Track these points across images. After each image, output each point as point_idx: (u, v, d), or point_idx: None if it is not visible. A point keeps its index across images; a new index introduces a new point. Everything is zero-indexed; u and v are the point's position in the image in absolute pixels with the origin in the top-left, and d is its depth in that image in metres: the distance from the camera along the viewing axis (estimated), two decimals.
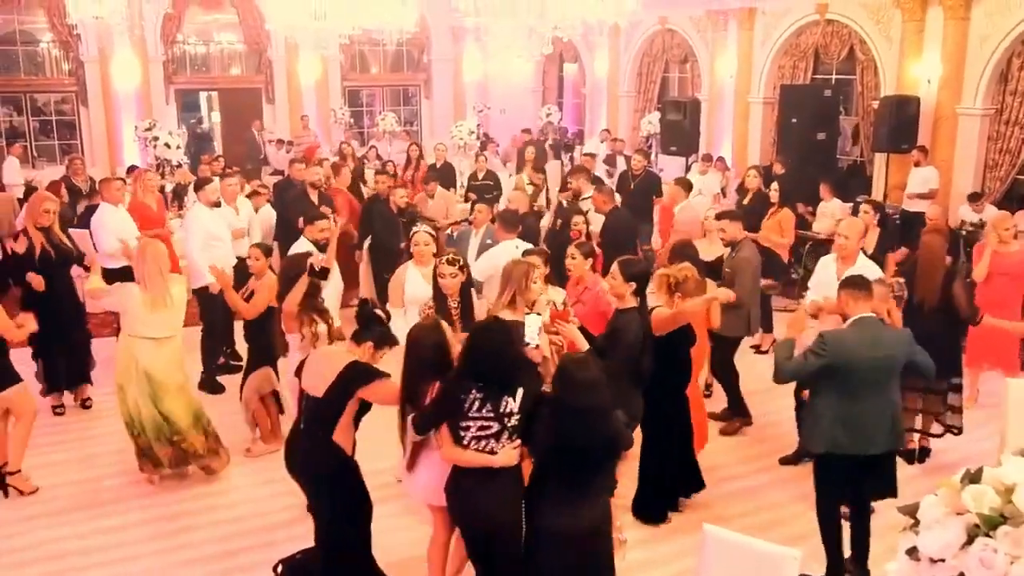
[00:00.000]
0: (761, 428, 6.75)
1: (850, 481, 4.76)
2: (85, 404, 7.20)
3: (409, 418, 4.18)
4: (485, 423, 3.91)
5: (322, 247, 6.64)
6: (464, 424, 3.92)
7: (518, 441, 3.93)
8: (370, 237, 8.85)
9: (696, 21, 15.45)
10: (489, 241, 7.28)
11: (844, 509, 4.87)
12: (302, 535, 5.18)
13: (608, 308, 5.55)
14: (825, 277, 6.20)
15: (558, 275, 6.26)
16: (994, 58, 10.86)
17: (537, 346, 4.69)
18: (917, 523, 1.95)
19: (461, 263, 5.15)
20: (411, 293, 5.88)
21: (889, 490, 4.99)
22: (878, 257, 7.00)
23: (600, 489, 3.87)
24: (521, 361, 4.21)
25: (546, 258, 5.95)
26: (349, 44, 16.00)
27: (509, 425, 3.91)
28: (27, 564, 5.04)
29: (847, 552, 4.80)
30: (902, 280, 5.72)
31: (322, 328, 5.61)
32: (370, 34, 13.44)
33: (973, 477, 1.87)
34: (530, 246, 6.50)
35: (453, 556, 4.55)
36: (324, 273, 5.72)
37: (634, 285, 5.11)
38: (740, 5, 14.28)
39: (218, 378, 7.61)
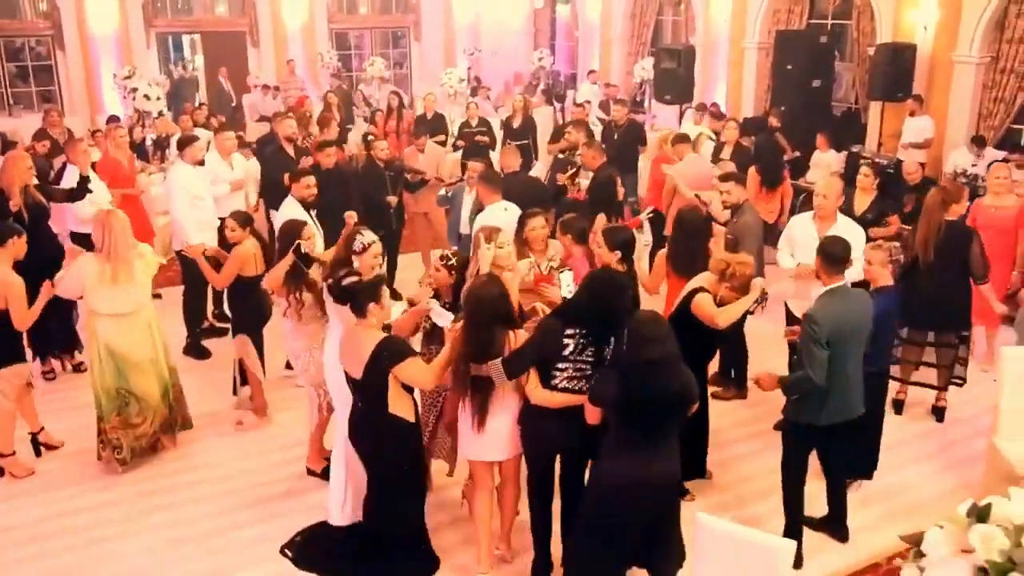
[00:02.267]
0: (753, 392, 6.70)
1: (817, 445, 4.78)
2: (79, 368, 7.04)
3: (492, 366, 4.12)
4: (582, 366, 4.16)
5: (309, 204, 6.51)
6: (560, 366, 4.14)
7: None
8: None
9: None
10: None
11: None
12: (303, 507, 5.24)
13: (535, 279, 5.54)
14: (801, 236, 6.12)
15: (583, 229, 6.07)
16: (991, 5, 10.62)
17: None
18: (920, 554, 1.89)
19: (453, 264, 4.99)
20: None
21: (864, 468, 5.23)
22: (873, 219, 6.87)
23: (672, 440, 4.01)
24: (627, 312, 4.27)
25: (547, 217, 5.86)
26: None
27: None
28: (19, 544, 4.99)
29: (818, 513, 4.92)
30: (898, 244, 5.64)
31: (307, 296, 5.50)
32: None
33: (980, 513, 1.80)
34: (516, 209, 6.36)
35: (504, 512, 4.68)
36: (308, 261, 5.53)
37: (619, 254, 5.19)
38: None
39: (204, 342, 7.50)
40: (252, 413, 6.34)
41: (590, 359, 4.17)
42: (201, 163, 7.53)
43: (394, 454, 4.34)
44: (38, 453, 5.83)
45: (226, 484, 5.58)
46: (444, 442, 5.06)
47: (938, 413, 6.39)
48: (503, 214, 6.35)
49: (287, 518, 5.16)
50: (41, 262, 6.11)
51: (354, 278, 4.51)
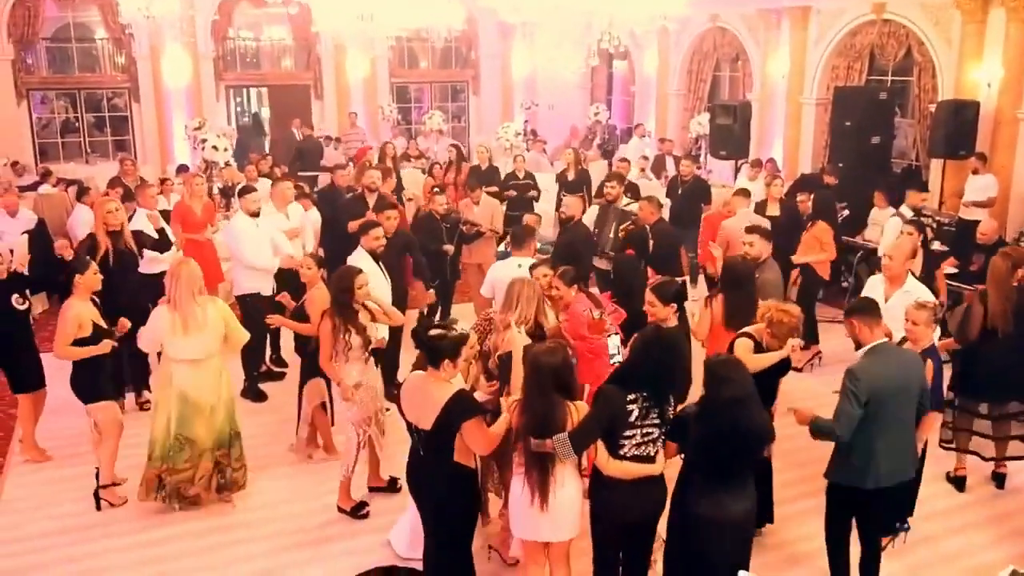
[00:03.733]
0: (798, 450, 6.53)
1: (859, 509, 4.66)
2: (143, 407, 7.24)
3: (557, 440, 4.00)
4: (650, 430, 4.10)
5: (378, 257, 6.69)
6: (627, 433, 4.06)
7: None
8: None
9: (748, 19, 15.16)
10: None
11: None
12: (357, 550, 5.30)
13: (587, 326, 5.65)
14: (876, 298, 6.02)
15: (575, 276, 6.13)
16: None
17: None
18: None
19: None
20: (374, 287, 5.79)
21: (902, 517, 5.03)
22: (924, 277, 6.79)
23: (748, 478, 4.08)
24: (681, 368, 4.34)
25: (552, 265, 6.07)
26: (397, 40, 16.01)
27: (664, 432, 4.14)
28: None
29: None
30: (942, 302, 5.50)
31: (355, 339, 5.60)
32: (418, 31, 13.43)
33: None
34: (532, 261, 6.48)
35: None
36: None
37: (675, 306, 5.24)
38: (793, 3, 13.96)
39: (261, 386, 7.64)
40: (321, 449, 6.52)
41: (656, 422, 4.11)
42: (256, 214, 7.57)
43: (459, 501, 4.31)
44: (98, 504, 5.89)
45: (278, 524, 5.65)
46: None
47: (998, 479, 6.14)
48: (516, 270, 6.41)
49: (339, 560, 5.21)
50: (125, 305, 6.37)
51: (440, 331, 4.35)
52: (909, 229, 7.24)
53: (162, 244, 7.59)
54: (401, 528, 5.26)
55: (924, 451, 5.24)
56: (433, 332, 4.29)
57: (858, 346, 4.59)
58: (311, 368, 6.19)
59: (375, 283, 6.19)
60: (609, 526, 4.25)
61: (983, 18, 11.10)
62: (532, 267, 6.17)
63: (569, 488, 4.17)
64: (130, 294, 6.81)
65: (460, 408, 4.15)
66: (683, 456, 4.18)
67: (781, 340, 4.94)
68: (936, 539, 5.45)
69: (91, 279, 5.78)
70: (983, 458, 6.04)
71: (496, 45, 19.24)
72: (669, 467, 4.21)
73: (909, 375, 4.52)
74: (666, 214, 9.64)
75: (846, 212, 11.04)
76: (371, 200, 8.37)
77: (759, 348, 5.02)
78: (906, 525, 5.26)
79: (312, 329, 6.16)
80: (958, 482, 6.14)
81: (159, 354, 5.77)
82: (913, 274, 6.16)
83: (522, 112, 18.73)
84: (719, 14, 15.60)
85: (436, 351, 4.24)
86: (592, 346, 5.66)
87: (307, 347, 6.32)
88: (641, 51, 17.63)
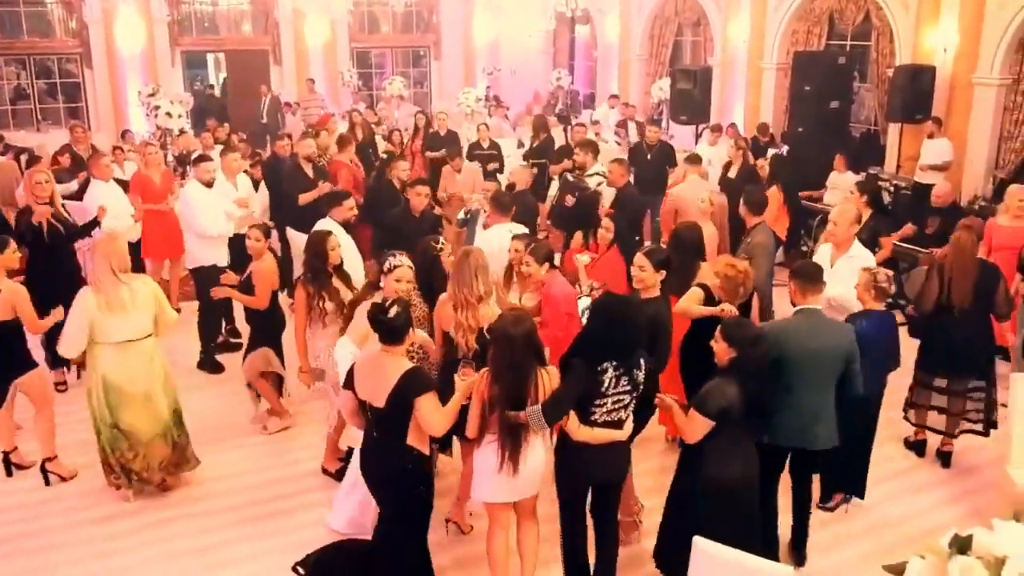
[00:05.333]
0: None
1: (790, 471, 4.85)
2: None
3: (530, 413, 4.02)
4: (620, 396, 4.12)
5: (347, 226, 6.63)
6: (599, 402, 4.08)
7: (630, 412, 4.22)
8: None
9: None
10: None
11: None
12: (313, 521, 5.26)
13: (572, 307, 5.56)
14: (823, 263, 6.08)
15: (549, 253, 6.05)
16: (1012, 26, 10.53)
17: None
18: None
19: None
20: None
21: (850, 487, 5.31)
22: (866, 240, 6.86)
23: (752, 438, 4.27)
24: (643, 331, 4.32)
25: (528, 243, 5.82)
26: (357, 4, 15.77)
27: (635, 396, 4.18)
28: (27, 553, 5.06)
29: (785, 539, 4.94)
30: (890, 273, 5.47)
31: (329, 304, 5.57)
32: None
33: (961, 544, 1.80)
34: (524, 229, 6.40)
35: (525, 553, 4.49)
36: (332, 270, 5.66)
37: (663, 273, 5.09)
38: None
39: (218, 357, 7.57)
40: (273, 417, 6.45)
41: (627, 388, 4.12)
42: (210, 184, 7.51)
43: (410, 484, 4.21)
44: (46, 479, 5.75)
45: (239, 496, 5.62)
46: None
47: (944, 458, 6.10)
48: (506, 236, 6.34)
49: (299, 533, 5.18)
50: (57, 279, 6.27)
51: (397, 309, 4.23)
52: (852, 190, 7.27)
53: (80, 231, 7.08)
54: (340, 503, 5.17)
55: (869, 428, 5.31)
56: (392, 313, 4.19)
57: (794, 307, 4.71)
58: (258, 339, 6.15)
59: (347, 255, 6.13)
60: (575, 487, 4.30)
61: None
62: (513, 238, 5.97)
63: (538, 451, 4.25)
64: (60, 270, 6.66)
65: (414, 382, 4.08)
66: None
67: (730, 293, 5.04)
68: (891, 499, 5.57)
69: (9, 258, 5.52)
70: (935, 431, 6.08)
71: (458, 10, 19.02)
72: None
73: (827, 343, 4.54)
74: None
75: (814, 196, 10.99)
76: (308, 170, 8.30)
77: (710, 300, 5.14)
78: (849, 498, 5.41)
79: (257, 301, 6.11)
80: (917, 447, 6.22)
81: None
82: (861, 240, 6.18)
83: (484, 77, 18.57)
84: None
85: (395, 329, 4.18)
86: (570, 333, 5.36)
87: (252, 319, 6.28)
88: (603, 16, 17.52)
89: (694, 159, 9.06)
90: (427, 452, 4.25)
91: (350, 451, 5.57)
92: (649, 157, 10.76)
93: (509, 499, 4.33)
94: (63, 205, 7.15)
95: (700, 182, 8.61)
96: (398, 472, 4.20)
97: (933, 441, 6.19)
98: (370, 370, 4.23)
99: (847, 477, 5.38)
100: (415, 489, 4.24)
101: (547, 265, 5.59)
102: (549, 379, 4.11)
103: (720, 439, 4.10)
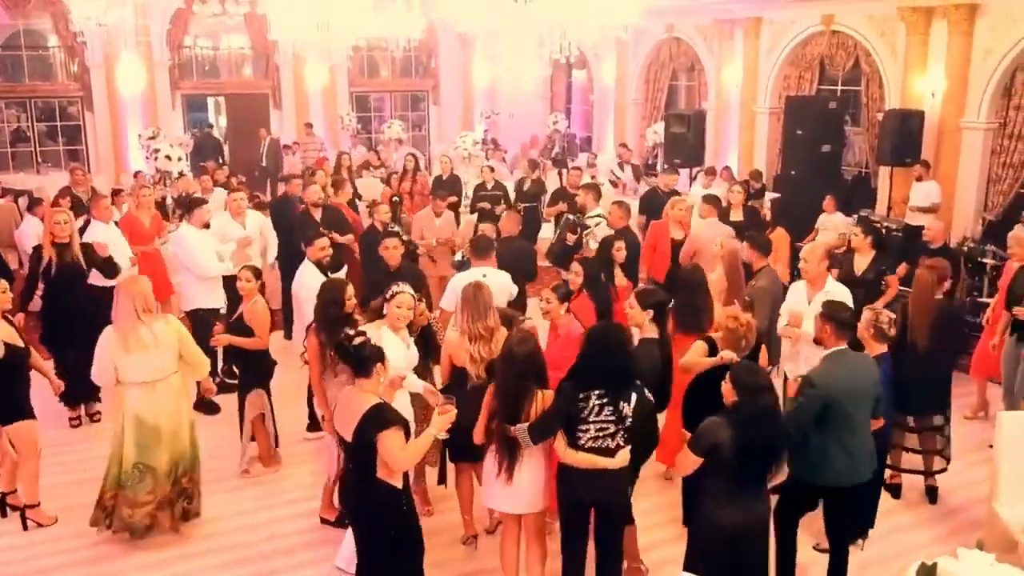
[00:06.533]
0: None
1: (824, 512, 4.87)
2: (94, 418, 7.27)
3: (518, 430, 4.29)
4: (604, 425, 4.25)
5: (326, 267, 6.67)
6: (582, 428, 4.25)
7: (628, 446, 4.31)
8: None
9: (702, 29, 15.39)
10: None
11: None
12: (307, 562, 5.29)
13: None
14: (792, 300, 6.19)
15: (568, 292, 6.07)
16: (997, 72, 10.80)
17: None
18: None
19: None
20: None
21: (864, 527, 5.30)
22: (873, 279, 6.94)
23: (764, 485, 4.23)
24: (634, 365, 4.44)
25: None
26: (357, 50, 16.00)
27: (624, 427, 4.27)
28: None
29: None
30: (893, 316, 5.52)
31: None
32: (378, 40, 13.38)
33: (928, 572, 1.85)
34: (499, 275, 6.49)
35: (530, 572, 4.68)
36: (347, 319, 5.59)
37: (651, 313, 5.19)
38: (746, 14, 14.22)
39: (213, 397, 7.58)
40: (259, 462, 6.45)
41: (610, 418, 4.26)
42: (206, 226, 7.62)
43: (379, 519, 4.24)
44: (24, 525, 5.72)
45: (231, 538, 5.61)
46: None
47: (931, 493, 6.13)
48: (480, 280, 6.34)
49: (298, 572, 5.21)
50: (65, 319, 6.46)
51: (364, 338, 4.36)
52: (856, 231, 7.32)
53: (109, 267, 7.24)
54: (347, 539, 5.23)
55: (882, 463, 5.36)
56: (357, 342, 4.29)
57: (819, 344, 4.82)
58: (250, 380, 6.20)
59: None
60: (569, 508, 4.47)
61: (926, 30, 11.39)
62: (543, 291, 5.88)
63: (533, 467, 4.45)
64: (73, 309, 6.76)
65: (375, 418, 4.08)
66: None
67: (732, 345, 5.05)
68: (883, 539, 5.58)
69: (1, 298, 5.60)
70: (913, 472, 6.07)
71: (456, 55, 19.30)
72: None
73: (865, 381, 4.69)
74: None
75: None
76: (316, 215, 8.41)
77: (715, 352, 5.15)
78: (864, 532, 5.44)
79: (260, 342, 6.14)
80: (893, 489, 6.17)
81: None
82: (856, 274, 6.25)
83: (482, 121, 18.80)
84: (675, 24, 15.82)
85: (364, 360, 4.25)
86: None
87: (245, 360, 6.31)
88: (600, 61, 17.80)
89: (713, 200, 8.87)
90: (399, 486, 4.25)
91: None
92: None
93: (509, 509, 4.60)
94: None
95: (717, 225, 8.51)
96: (369, 505, 4.26)
97: (908, 482, 6.20)
98: (345, 404, 4.34)
99: (864, 512, 5.40)
100: (387, 524, 4.25)
101: (565, 305, 5.71)
102: (543, 400, 4.35)
103: (719, 481, 4.14)
